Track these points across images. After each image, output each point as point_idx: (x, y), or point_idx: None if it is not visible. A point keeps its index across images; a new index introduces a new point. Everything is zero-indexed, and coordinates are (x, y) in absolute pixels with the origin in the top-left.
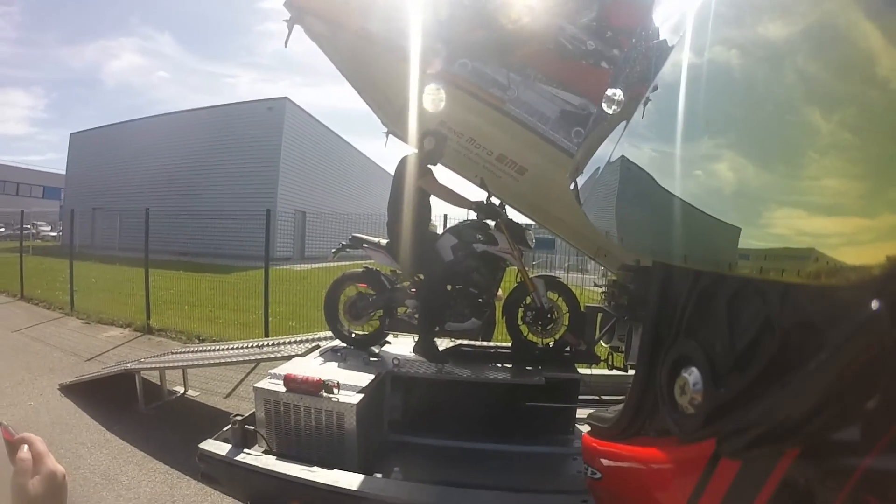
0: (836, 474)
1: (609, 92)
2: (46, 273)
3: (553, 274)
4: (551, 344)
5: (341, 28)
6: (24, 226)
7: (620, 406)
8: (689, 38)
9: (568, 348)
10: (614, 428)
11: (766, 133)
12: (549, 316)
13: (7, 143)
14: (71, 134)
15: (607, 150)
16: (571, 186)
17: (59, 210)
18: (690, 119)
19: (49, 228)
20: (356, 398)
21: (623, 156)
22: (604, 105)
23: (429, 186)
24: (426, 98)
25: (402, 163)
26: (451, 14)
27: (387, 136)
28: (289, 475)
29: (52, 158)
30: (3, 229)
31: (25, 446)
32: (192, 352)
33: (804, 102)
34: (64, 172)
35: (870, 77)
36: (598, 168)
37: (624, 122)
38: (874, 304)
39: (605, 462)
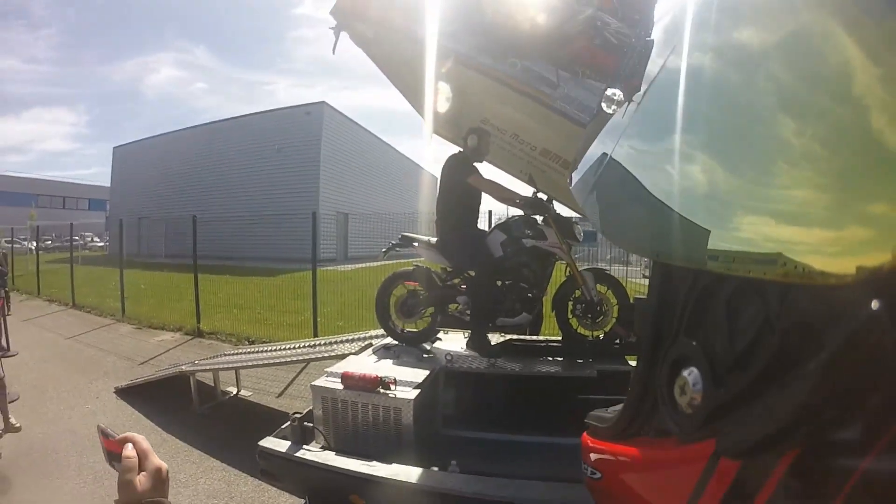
0: (836, 474)
1: (609, 92)
2: (96, 282)
3: (600, 267)
4: (601, 337)
5: (390, 32)
6: (73, 237)
7: (620, 406)
8: (680, 39)
9: (618, 340)
10: (614, 428)
11: (746, 136)
12: (598, 309)
13: (53, 158)
14: (114, 147)
15: (599, 146)
16: (568, 181)
17: (104, 221)
18: (671, 120)
19: (97, 239)
20: (413, 394)
21: (605, 152)
22: (603, 105)
23: (477, 183)
24: (472, 97)
25: (449, 161)
26: (499, 13)
27: (431, 137)
28: (348, 469)
29: (97, 172)
30: (49, 241)
31: (130, 444)
32: (245, 353)
33: (788, 109)
34: (108, 184)
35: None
36: (590, 162)
37: (635, 101)
38: (874, 304)
39: (604, 462)
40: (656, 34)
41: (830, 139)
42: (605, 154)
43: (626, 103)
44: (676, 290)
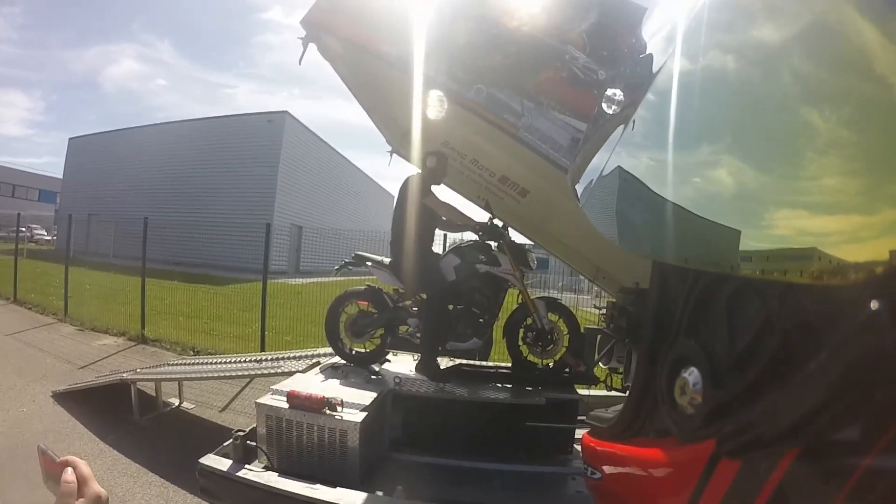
0: (835, 474)
1: (609, 92)
2: (41, 277)
3: (551, 295)
4: (551, 365)
5: (359, 49)
6: (20, 228)
7: (620, 406)
8: (681, 46)
9: (567, 369)
10: (614, 428)
11: (762, 136)
12: (549, 337)
13: (4, 143)
14: (70, 138)
15: (605, 156)
16: (573, 190)
17: (54, 214)
18: (686, 126)
19: (44, 232)
20: (360, 416)
21: (620, 165)
22: (604, 105)
23: (433, 205)
24: (435, 120)
25: (406, 183)
26: (469, 40)
27: (391, 155)
28: (291, 492)
29: (49, 161)
30: None
31: (70, 469)
32: (189, 364)
33: (796, 104)
34: (61, 176)
35: (866, 75)
36: (599, 173)
37: (622, 127)
38: (874, 305)
39: (604, 462)
40: (653, 46)
41: (856, 127)
42: (618, 166)
43: (631, 123)
44: (676, 291)
